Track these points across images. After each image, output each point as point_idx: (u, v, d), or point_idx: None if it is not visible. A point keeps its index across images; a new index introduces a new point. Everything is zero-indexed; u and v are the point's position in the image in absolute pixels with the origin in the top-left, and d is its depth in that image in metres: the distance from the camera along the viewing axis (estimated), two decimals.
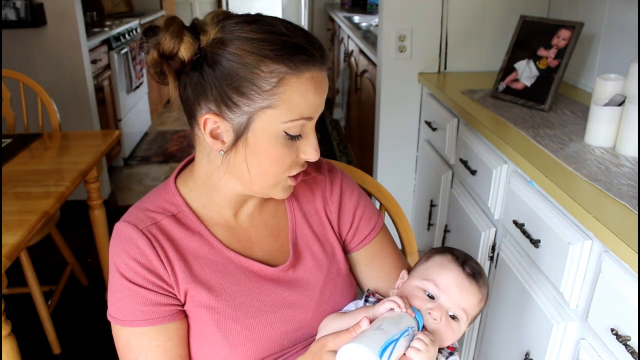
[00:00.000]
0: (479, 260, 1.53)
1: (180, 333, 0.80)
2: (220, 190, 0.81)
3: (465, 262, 0.82)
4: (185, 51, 0.71)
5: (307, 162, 0.79)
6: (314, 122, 0.76)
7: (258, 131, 0.72)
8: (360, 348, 0.65)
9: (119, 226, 0.80)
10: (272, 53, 0.69)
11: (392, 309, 0.75)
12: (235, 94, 0.70)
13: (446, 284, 0.79)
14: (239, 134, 0.73)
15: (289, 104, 0.71)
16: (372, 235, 0.94)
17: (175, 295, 0.79)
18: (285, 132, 0.72)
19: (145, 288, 0.77)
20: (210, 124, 0.73)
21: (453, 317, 0.79)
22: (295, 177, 0.79)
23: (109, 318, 0.80)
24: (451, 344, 0.80)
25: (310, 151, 0.76)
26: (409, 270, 0.89)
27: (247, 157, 0.74)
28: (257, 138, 0.73)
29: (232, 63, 0.70)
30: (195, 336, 0.81)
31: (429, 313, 0.77)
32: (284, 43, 0.70)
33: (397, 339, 0.68)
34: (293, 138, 0.74)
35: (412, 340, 0.71)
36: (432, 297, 0.79)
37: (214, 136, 0.74)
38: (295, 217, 0.89)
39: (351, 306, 0.88)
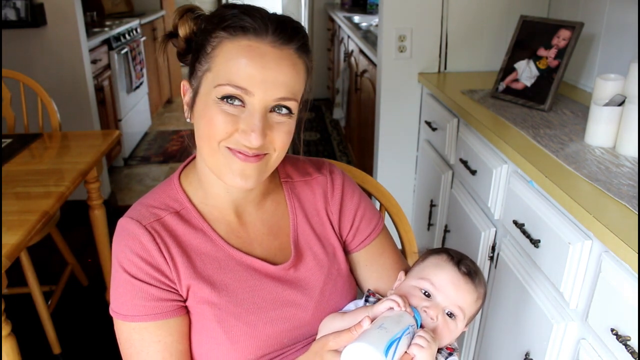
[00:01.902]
0: (478, 261, 1.53)
1: (181, 329, 0.81)
2: (211, 182, 0.82)
3: (461, 262, 0.82)
4: (182, 30, 0.80)
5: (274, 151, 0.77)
6: (259, 100, 0.72)
7: (201, 94, 0.76)
8: (366, 347, 0.66)
9: (123, 222, 0.81)
10: (221, 24, 0.74)
11: (391, 308, 0.75)
12: (195, 61, 0.77)
13: (441, 283, 0.80)
14: (194, 99, 0.77)
15: (220, 67, 0.73)
16: (373, 236, 0.94)
17: (177, 291, 0.80)
18: (216, 96, 0.73)
19: (147, 283, 0.78)
20: (184, 92, 0.80)
21: (450, 315, 0.79)
22: (242, 155, 0.74)
23: (111, 313, 0.80)
24: (449, 343, 0.80)
25: (245, 129, 0.72)
26: (407, 271, 0.89)
27: (195, 122, 0.78)
28: (200, 101, 0.76)
29: (200, 37, 0.77)
30: (196, 332, 0.82)
31: (425, 311, 0.78)
32: (233, 15, 0.74)
33: (400, 337, 0.69)
34: (226, 102, 0.72)
35: (412, 338, 0.72)
36: (428, 296, 0.80)
37: (187, 104, 0.80)
38: (296, 216, 0.89)
39: (351, 306, 0.88)
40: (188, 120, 0.80)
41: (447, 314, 0.79)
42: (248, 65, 0.71)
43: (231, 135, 0.74)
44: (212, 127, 0.74)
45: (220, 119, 0.73)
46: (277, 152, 0.77)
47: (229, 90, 0.72)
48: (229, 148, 0.75)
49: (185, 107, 0.80)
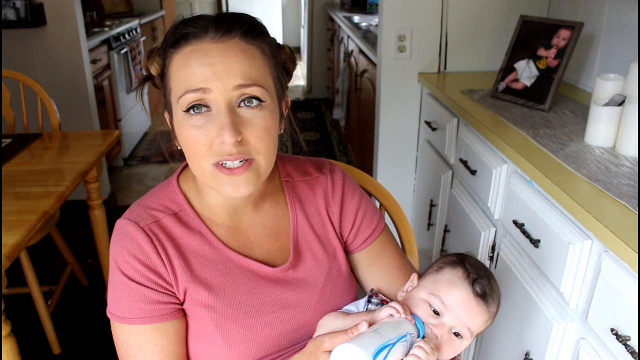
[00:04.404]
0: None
1: (178, 332, 0.80)
2: (207, 189, 0.81)
3: (476, 281, 0.78)
4: (153, 69, 0.79)
5: (253, 151, 0.73)
6: (219, 95, 0.70)
7: (174, 116, 0.76)
8: (354, 348, 0.66)
9: (120, 223, 0.80)
10: (167, 42, 0.75)
11: (391, 315, 0.74)
12: (164, 89, 0.78)
13: (452, 303, 0.77)
14: (172, 125, 0.78)
15: (175, 81, 0.73)
16: (374, 236, 0.94)
17: (175, 293, 0.80)
18: (182, 110, 0.73)
19: (144, 286, 0.77)
20: (169, 122, 0.80)
21: (456, 334, 0.77)
22: (228, 170, 0.73)
23: (108, 315, 0.80)
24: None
25: (217, 132, 0.71)
26: (416, 272, 0.88)
27: (181, 146, 0.77)
28: (176, 124, 0.76)
29: (163, 66, 0.78)
30: (193, 335, 0.82)
31: (431, 329, 0.76)
32: (174, 29, 0.74)
33: (394, 344, 0.68)
34: (191, 114, 0.72)
35: (410, 346, 0.71)
36: (437, 313, 0.77)
37: (172, 133, 0.79)
38: (297, 217, 0.89)
39: (350, 307, 0.87)
40: (179, 147, 0.79)
41: (454, 333, 0.77)
42: (197, 66, 0.71)
43: (211, 147, 0.72)
44: (190, 145, 0.73)
45: (193, 133, 0.72)
46: (262, 154, 0.74)
47: (189, 97, 0.71)
48: (215, 165, 0.73)
49: (174, 138, 0.79)
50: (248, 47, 0.73)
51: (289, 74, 0.84)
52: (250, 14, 0.79)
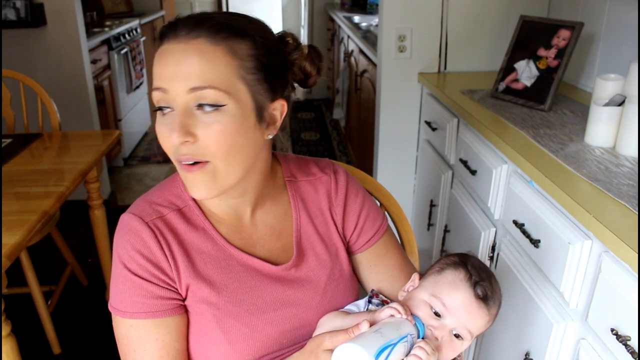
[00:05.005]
0: None
1: (179, 328, 0.81)
2: None
3: (478, 283, 0.78)
4: None
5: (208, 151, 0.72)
6: (175, 96, 0.70)
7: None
8: (357, 348, 0.66)
9: (125, 218, 0.80)
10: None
11: (392, 315, 0.75)
12: None
13: (453, 305, 0.77)
14: None
15: (153, 78, 0.74)
16: (377, 237, 0.94)
17: (177, 289, 0.80)
18: (156, 107, 0.74)
19: (147, 281, 0.78)
20: None
21: (457, 336, 0.77)
22: (185, 166, 0.73)
23: (110, 309, 0.80)
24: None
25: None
26: (417, 272, 0.88)
27: None
28: None
29: None
30: (195, 332, 0.82)
31: (431, 330, 0.76)
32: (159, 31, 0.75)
33: (395, 344, 0.68)
34: (162, 112, 0.73)
35: (411, 347, 0.71)
36: (438, 315, 0.77)
37: None
38: (300, 217, 0.89)
39: (351, 307, 0.88)
40: None
41: (454, 334, 0.77)
42: (162, 66, 0.72)
43: (173, 145, 0.72)
44: (161, 142, 0.74)
45: (159, 130, 0.74)
46: (218, 158, 0.72)
47: (155, 95, 0.73)
48: (178, 162, 0.74)
49: None
50: (212, 49, 0.71)
51: (309, 76, 0.83)
52: (249, 14, 0.78)
